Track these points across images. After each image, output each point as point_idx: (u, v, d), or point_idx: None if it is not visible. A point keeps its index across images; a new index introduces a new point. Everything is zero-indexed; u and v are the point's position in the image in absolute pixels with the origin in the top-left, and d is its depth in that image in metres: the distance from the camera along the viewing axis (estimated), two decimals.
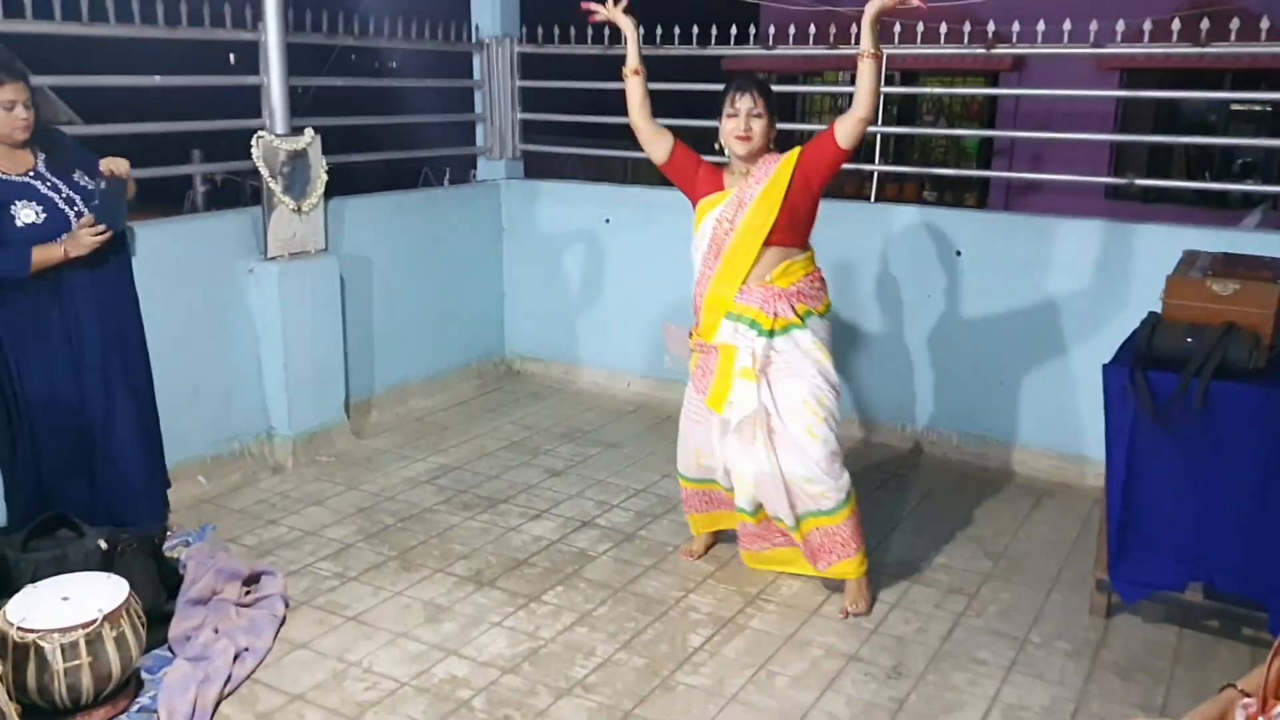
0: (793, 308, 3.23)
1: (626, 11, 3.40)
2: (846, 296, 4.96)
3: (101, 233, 3.25)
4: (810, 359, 3.24)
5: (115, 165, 3.31)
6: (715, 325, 3.31)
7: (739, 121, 3.22)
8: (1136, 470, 3.13)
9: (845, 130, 3.14)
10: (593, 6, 3.44)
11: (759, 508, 3.42)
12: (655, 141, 3.41)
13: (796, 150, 3.26)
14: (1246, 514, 3.01)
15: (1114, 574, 3.25)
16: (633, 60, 3.39)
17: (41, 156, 3.29)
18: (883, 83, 5.03)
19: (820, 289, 3.36)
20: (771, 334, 3.22)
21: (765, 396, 3.23)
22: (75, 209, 3.28)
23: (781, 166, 3.22)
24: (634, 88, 3.42)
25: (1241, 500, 3.01)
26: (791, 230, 3.25)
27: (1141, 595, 3.25)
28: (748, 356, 3.22)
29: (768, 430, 3.24)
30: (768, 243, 3.22)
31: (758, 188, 3.22)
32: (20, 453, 3.35)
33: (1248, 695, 1.77)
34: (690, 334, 3.47)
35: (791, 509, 3.30)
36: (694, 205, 3.39)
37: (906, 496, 4.36)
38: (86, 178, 3.35)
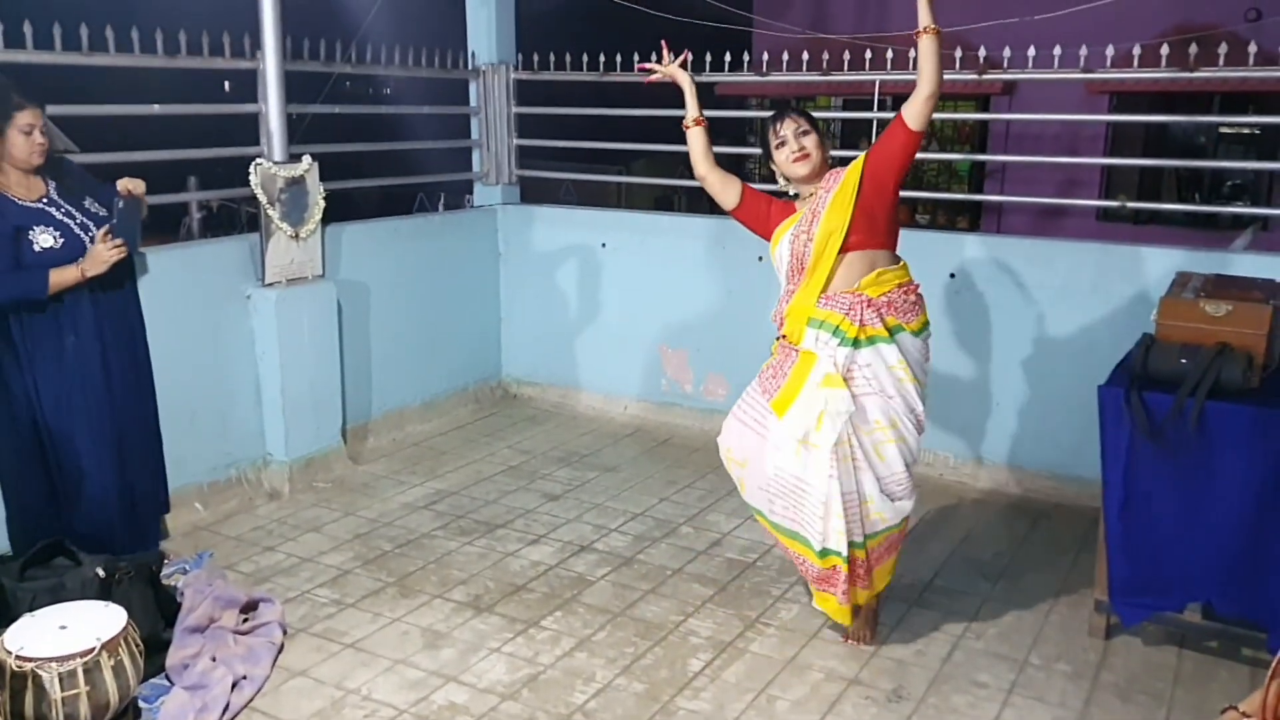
0: (881, 318, 3.06)
1: (683, 66, 3.39)
2: None
3: (119, 249, 3.29)
4: (893, 377, 3.07)
5: (133, 185, 3.40)
6: (800, 333, 3.14)
7: (790, 145, 3.14)
8: (1133, 491, 3.14)
9: (914, 112, 3.03)
10: (650, 66, 3.44)
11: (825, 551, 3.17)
12: (725, 189, 3.30)
13: (862, 155, 3.14)
14: (1243, 533, 3.02)
15: (1113, 596, 3.25)
16: (692, 112, 3.33)
17: (52, 184, 3.34)
18: (875, 108, 5.13)
19: (916, 303, 3.17)
20: (856, 343, 3.04)
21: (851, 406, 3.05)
22: (90, 234, 3.34)
23: (850, 171, 3.10)
24: (695, 139, 3.35)
25: (1237, 520, 3.02)
26: (871, 232, 3.09)
27: (1142, 618, 3.25)
28: (829, 363, 3.03)
29: (848, 446, 3.06)
30: (848, 247, 3.07)
31: (828, 196, 3.10)
32: (29, 478, 3.37)
33: (1248, 717, 1.78)
34: (778, 338, 3.28)
35: (823, 535, 3.12)
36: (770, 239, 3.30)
37: None
38: (97, 204, 3.41)
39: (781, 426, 3.10)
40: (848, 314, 3.04)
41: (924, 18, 3.01)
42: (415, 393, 5.50)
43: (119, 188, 3.39)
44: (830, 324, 3.06)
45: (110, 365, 3.45)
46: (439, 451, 5.17)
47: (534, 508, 4.45)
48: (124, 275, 3.48)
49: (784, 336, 3.22)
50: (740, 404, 3.32)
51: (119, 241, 3.30)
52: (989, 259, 4.64)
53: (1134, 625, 3.30)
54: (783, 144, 3.15)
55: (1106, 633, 3.36)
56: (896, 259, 3.17)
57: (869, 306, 3.05)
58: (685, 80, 3.36)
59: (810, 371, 3.07)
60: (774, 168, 3.21)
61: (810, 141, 3.14)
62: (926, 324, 3.19)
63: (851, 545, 3.11)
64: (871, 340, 3.05)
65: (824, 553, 3.13)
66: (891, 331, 3.07)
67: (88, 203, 3.39)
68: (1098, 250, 4.43)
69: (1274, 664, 1.75)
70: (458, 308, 5.75)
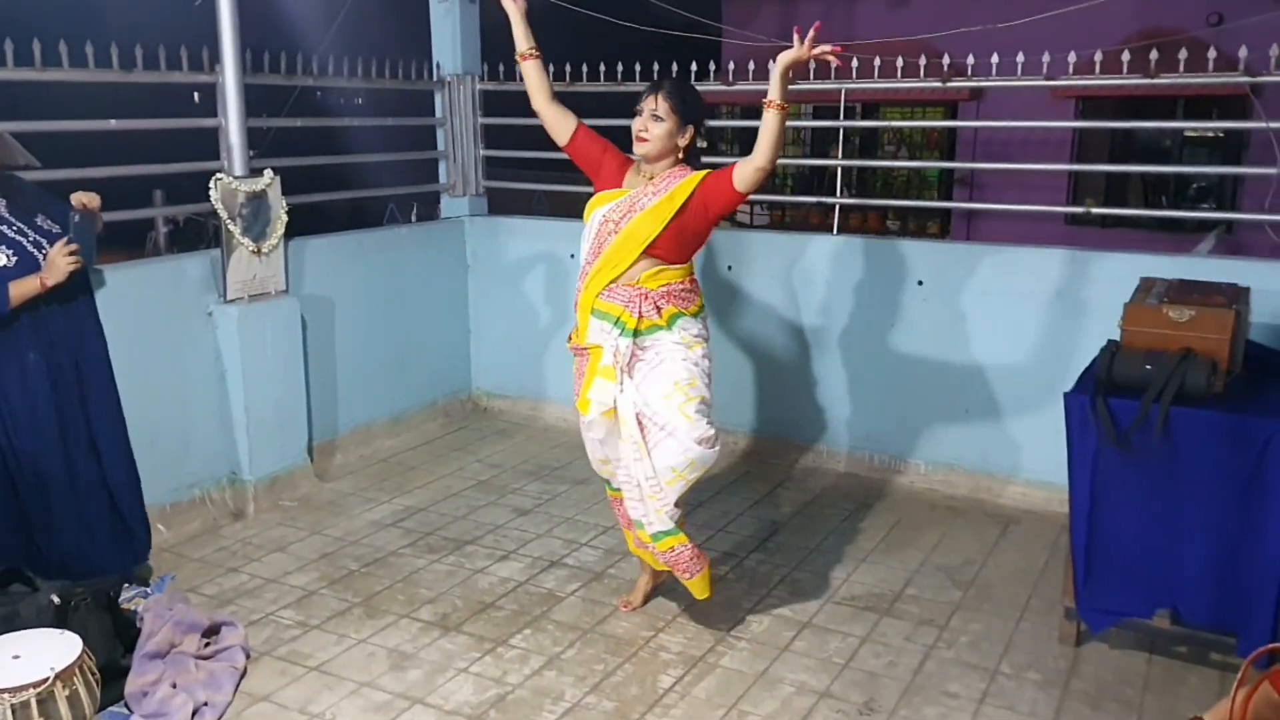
0: (658, 309, 3.18)
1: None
2: (811, 328, 4.98)
3: (76, 260, 3.25)
4: (676, 352, 3.19)
5: (88, 199, 3.36)
6: (586, 324, 3.27)
7: (640, 120, 3.16)
8: (1100, 498, 3.14)
9: (743, 176, 3.07)
10: None
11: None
12: (561, 124, 3.36)
13: (702, 174, 3.17)
14: (1209, 539, 3.03)
15: (1080, 602, 3.25)
16: (521, 44, 3.34)
17: (2, 201, 3.28)
18: (843, 116, 5.13)
19: (692, 291, 3.29)
20: (636, 333, 3.17)
21: (631, 396, 3.16)
22: (43, 252, 3.28)
23: (682, 185, 3.14)
24: (530, 71, 3.37)
25: (1203, 525, 3.02)
26: (677, 248, 3.20)
27: (1108, 624, 3.25)
28: (610, 355, 3.17)
29: (638, 430, 3.17)
30: (647, 252, 3.16)
31: (652, 199, 3.15)
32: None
33: None
34: (570, 336, 3.42)
35: (646, 518, 3.26)
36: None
37: (874, 526, 4.35)
38: (49, 221, 3.36)
39: (588, 420, 3.27)
40: (627, 306, 3.17)
41: (772, 91, 3.00)
42: (383, 408, 5.44)
43: (73, 202, 3.35)
44: (611, 315, 3.19)
45: (78, 383, 3.41)
46: (407, 467, 5.11)
47: (504, 523, 4.40)
48: (80, 290, 3.43)
49: (572, 341, 3.37)
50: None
51: (74, 247, 3.25)
52: (957, 265, 4.65)
53: (1101, 631, 3.30)
54: (639, 114, 3.18)
55: (1077, 640, 3.36)
56: (686, 262, 3.28)
57: (646, 299, 3.18)
58: (511, 7, 3.34)
59: (598, 364, 3.22)
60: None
61: (657, 130, 3.14)
62: (702, 306, 3.32)
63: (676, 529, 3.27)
64: (651, 329, 3.19)
65: (657, 536, 3.26)
66: (670, 320, 3.20)
67: (39, 219, 3.34)
68: (1064, 256, 4.44)
69: (1240, 673, 1.75)
70: (425, 321, 5.70)
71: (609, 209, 3.21)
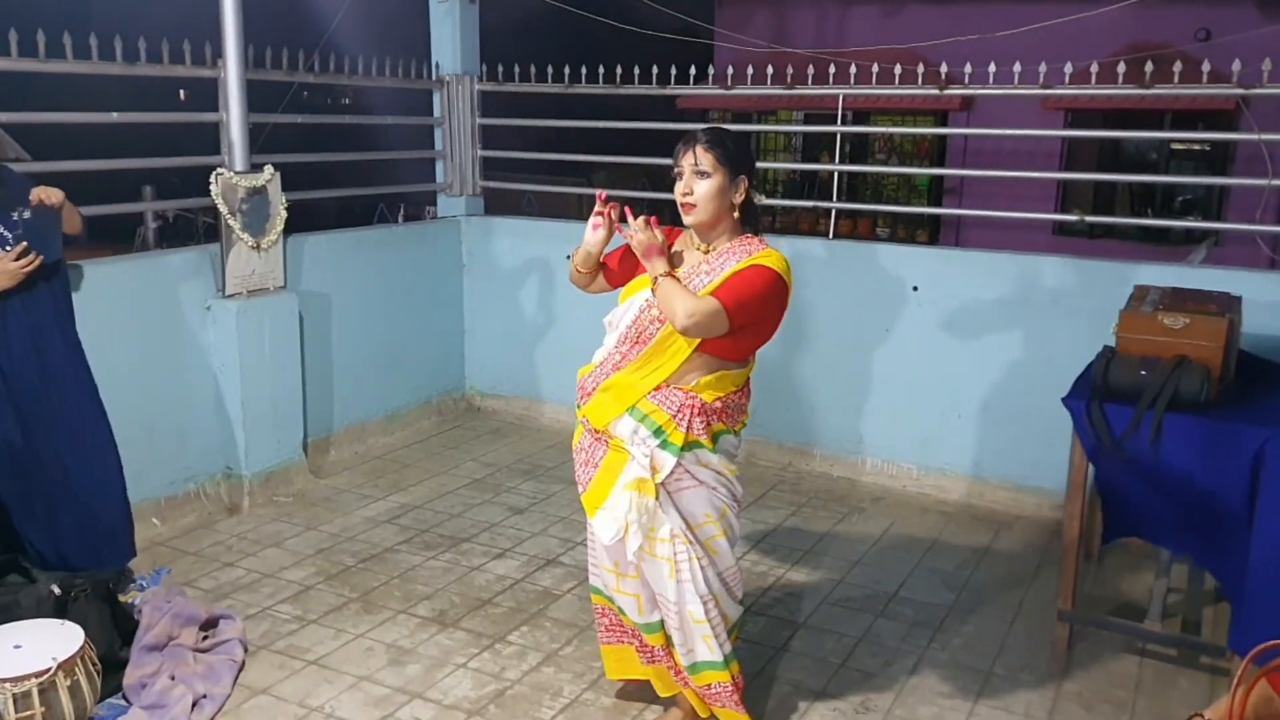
0: (709, 427, 2.64)
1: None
2: (805, 333, 5.01)
3: (28, 262, 3.19)
4: (713, 472, 2.68)
5: (45, 195, 3.27)
6: (614, 413, 2.65)
7: (682, 184, 2.60)
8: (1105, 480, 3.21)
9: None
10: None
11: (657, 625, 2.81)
12: (596, 282, 2.90)
13: (751, 260, 2.59)
14: (1205, 540, 3.08)
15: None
16: (661, 267, 2.63)
17: None
18: (839, 122, 5.18)
19: (744, 405, 2.79)
20: (679, 450, 2.60)
21: (670, 511, 2.65)
22: (7, 248, 3.23)
23: (751, 262, 2.59)
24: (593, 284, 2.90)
25: (1200, 528, 3.07)
26: (738, 344, 2.64)
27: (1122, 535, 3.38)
28: (645, 469, 2.58)
29: (672, 549, 2.66)
30: (701, 349, 2.60)
31: (707, 279, 2.59)
32: None
33: None
34: (577, 405, 2.82)
35: (688, 647, 2.74)
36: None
37: (868, 530, 4.39)
38: (31, 213, 3.31)
39: (594, 527, 2.74)
40: (675, 416, 2.59)
41: (656, 268, 2.58)
42: (378, 405, 5.45)
43: (31, 197, 3.27)
44: (653, 422, 2.59)
45: (37, 376, 3.35)
46: (402, 464, 5.12)
47: (499, 521, 4.41)
48: (53, 285, 3.37)
49: (584, 417, 2.75)
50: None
51: (22, 247, 3.19)
52: (952, 272, 4.70)
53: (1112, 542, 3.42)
54: (679, 176, 2.62)
55: (1069, 642, 3.39)
56: (748, 362, 2.76)
57: (700, 413, 2.61)
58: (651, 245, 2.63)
59: (622, 470, 2.63)
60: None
61: (704, 188, 2.57)
62: (746, 421, 2.85)
63: (726, 660, 2.73)
64: (692, 446, 2.63)
65: (694, 668, 2.75)
66: (716, 436, 2.67)
67: (16, 214, 3.28)
68: (1059, 264, 4.49)
69: (1239, 671, 1.78)
70: (421, 319, 5.71)
71: (650, 294, 2.64)
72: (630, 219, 2.64)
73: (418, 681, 3.15)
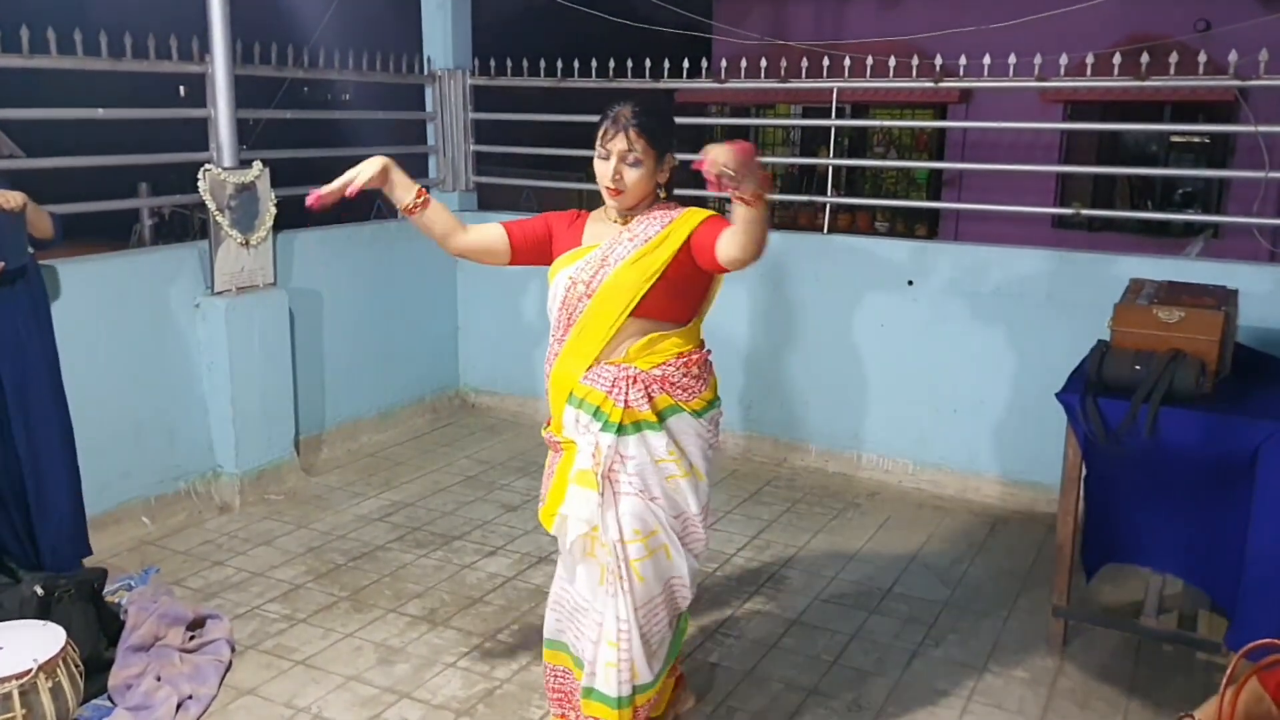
0: (649, 397, 2.45)
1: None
2: (799, 327, 4.98)
3: None
4: (659, 474, 2.46)
5: (4, 199, 3.21)
6: (560, 413, 2.54)
7: (608, 167, 2.43)
8: (1096, 480, 3.17)
9: (728, 256, 2.32)
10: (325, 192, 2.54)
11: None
12: (490, 245, 2.63)
13: (699, 215, 2.45)
14: (1200, 535, 3.05)
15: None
16: (406, 196, 2.58)
17: None
18: (834, 115, 5.14)
19: (700, 377, 2.53)
20: (620, 429, 2.43)
21: (614, 513, 2.45)
22: None
23: (674, 227, 2.44)
24: (431, 218, 2.62)
25: (1192, 533, 3.04)
26: (670, 303, 2.48)
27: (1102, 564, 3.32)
28: (588, 456, 2.44)
29: (608, 555, 2.45)
30: (634, 314, 2.45)
31: (630, 246, 2.45)
32: None
33: None
34: (544, 425, 2.67)
35: (591, 666, 2.52)
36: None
37: (863, 525, 4.36)
38: None
39: (556, 532, 2.57)
40: (610, 392, 2.44)
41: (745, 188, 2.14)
42: (370, 402, 5.42)
43: None
44: (590, 404, 2.45)
45: (18, 379, 3.32)
46: (395, 462, 5.09)
47: (492, 519, 4.39)
48: (19, 290, 3.33)
49: (547, 429, 2.63)
50: None
51: None
52: (947, 265, 4.66)
53: (1096, 570, 3.35)
54: (604, 158, 2.44)
55: (1064, 640, 3.37)
56: (687, 323, 2.55)
57: (635, 383, 2.44)
58: (372, 172, 2.52)
59: (571, 466, 2.49)
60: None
61: (635, 175, 2.42)
62: (713, 400, 2.59)
63: (620, 700, 2.47)
64: (638, 426, 2.45)
65: (587, 692, 2.52)
66: (662, 415, 2.46)
67: None
68: (1054, 257, 4.46)
69: (1229, 670, 1.75)
70: (414, 316, 5.68)
71: (575, 269, 2.50)
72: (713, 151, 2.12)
73: (406, 681, 3.13)
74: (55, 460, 3.52)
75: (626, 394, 2.44)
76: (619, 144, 2.41)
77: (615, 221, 2.54)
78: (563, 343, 2.54)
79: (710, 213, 2.49)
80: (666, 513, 2.49)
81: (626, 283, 2.44)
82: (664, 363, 2.48)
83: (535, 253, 2.64)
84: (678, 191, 2.61)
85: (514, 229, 2.63)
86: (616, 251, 2.47)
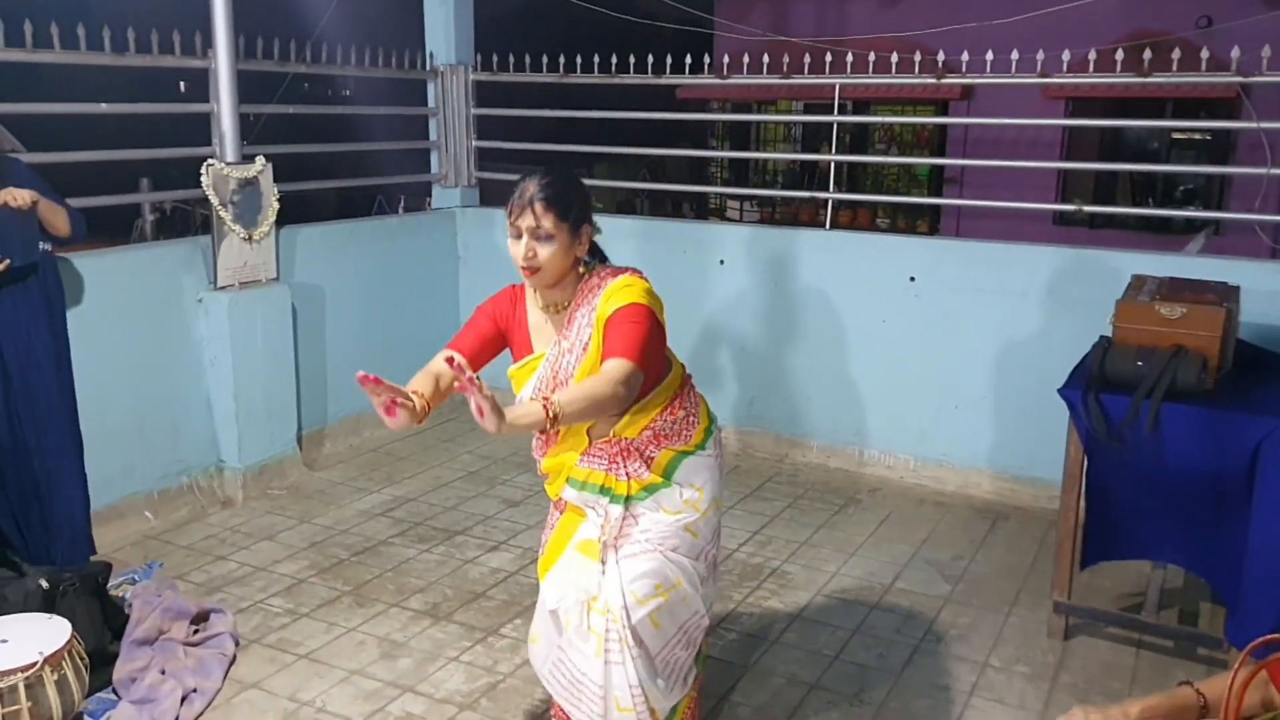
0: (648, 461, 2.40)
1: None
2: (802, 323, 4.99)
3: None
4: (677, 526, 2.41)
5: (11, 197, 3.21)
6: (557, 489, 2.49)
7: (520, 246, 2.30)
8: (1096, 475, 3.18)
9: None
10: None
11: None
12: (439, 379, 2.37)
13: (610, 304, 2.30)
14: (1197, 541, 3.05)
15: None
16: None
17: None
18: (836, 111, 5.14)
19: (686, 418, 2.47)
20: (628, 500, 2.39)
21: (617, 580, 2.36)
22: None
23: (596, 325, 2.32)
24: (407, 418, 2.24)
25: (1192, 527, 3.05)
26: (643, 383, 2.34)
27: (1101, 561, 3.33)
28: (595, 527, 2.39)
29: (605, 625, 2.35)
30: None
31: (572, 358, 2.34)
32: None
33: (1204, 696, 1.78)
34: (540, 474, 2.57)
35: None
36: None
37: (864, 521, 4.37)
38: None
39: (542, 592, 2.47)
40: (610, 471, 2.38)
41: (534, 421, 2.14)
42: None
43: None
44: (594, 484, 2.39)
45: (28, 376, 3.34)
46: (397, 457, 5.10)
47: (494, 514, 4.39)
48: (31, 286, 3.34)
49: (547, 480, 2.54)
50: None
51: None
52: (949, 262, 4.66)
53: (1093, 565, 3.36)
54: (516, 237, 2.32)
55: (1065, 634, 3.38)
56: (658, 381, 2.43)
57: (631, 454, 2.38)
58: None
59: (575, 530, 2.44)
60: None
61: (548, 251, 2.29)
62: (709, 427, 2.53)
63: None
64: (647, 490, 2.40)
65: None
66: (668, 471, 2.42)
67: None
68: (1055, 254, 4.46)
69: (1237, 663, 1.75)
70: (416, 311, 5.68)
71: (535, 384, 2.39)
72: (471, 391, 2.05)
73: (409, 675, 3.14)
74: (63, 458, 3.53)
75: (625, 468, 2.38)
76: (527, 220, 2.29)
77: (547, 309, 2.41)
78: (548, 442, 2.46)
79: (624, 300, 2.30)
80: (688, 558, 2.43)
81: None
82: (650, 423, 2.41)
83: (492, 352, 2.49)
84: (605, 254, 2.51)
85: (464, 348, 2.42)
86: (565, 365, 2.36)
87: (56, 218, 3.40)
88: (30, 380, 3.38)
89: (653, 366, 2.36)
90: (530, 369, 2.41)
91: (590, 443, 2.40)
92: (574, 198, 2.34)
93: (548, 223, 2.28)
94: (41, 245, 3.41)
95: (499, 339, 2.48)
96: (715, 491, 2.50)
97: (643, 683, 2.37)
